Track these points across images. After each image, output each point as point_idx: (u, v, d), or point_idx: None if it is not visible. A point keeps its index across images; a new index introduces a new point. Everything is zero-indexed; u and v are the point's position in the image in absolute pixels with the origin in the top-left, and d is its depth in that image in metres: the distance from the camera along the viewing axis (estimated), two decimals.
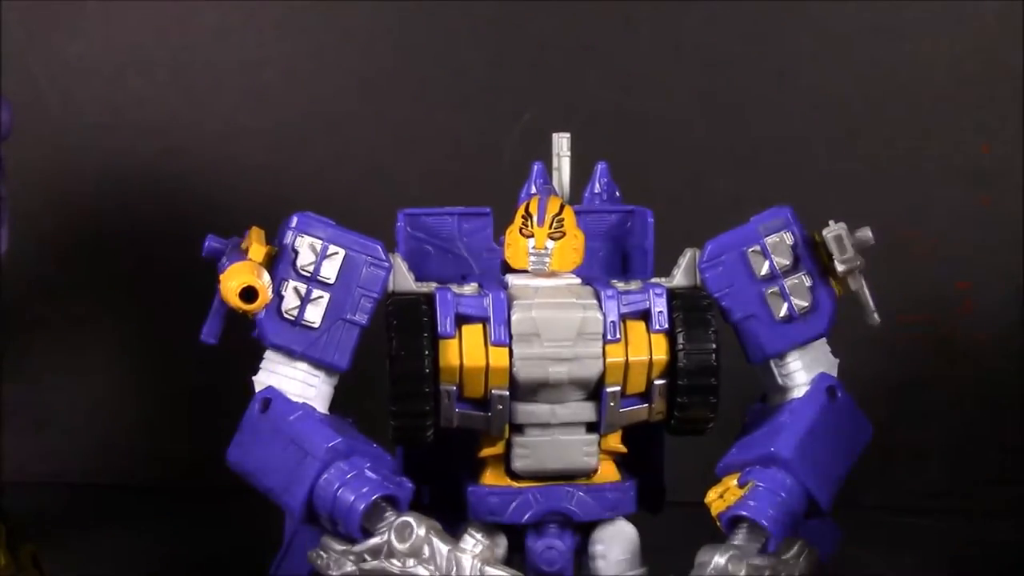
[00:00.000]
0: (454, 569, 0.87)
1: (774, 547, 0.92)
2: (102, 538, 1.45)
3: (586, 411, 0.95)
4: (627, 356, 0.94)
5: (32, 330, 1.61)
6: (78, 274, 1.61)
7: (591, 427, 0.96)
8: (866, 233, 0.96)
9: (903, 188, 1.57)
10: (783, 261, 0.97)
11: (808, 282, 0.97)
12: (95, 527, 1.49)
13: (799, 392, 0.99)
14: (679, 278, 0.99)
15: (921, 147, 1.57)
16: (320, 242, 0.94)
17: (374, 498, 0.89)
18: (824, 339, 1.00)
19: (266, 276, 0.90)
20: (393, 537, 0.87)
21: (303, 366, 0.95)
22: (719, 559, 0.89)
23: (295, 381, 0.95)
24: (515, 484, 0.96)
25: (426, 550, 0.87)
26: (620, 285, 0.97)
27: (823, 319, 0.98)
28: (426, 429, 0.94)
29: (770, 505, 0.93)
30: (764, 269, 0.97)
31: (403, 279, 0.97)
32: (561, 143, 1.07)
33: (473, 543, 0.89)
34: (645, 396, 0.96)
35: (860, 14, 1.56)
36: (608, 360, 0.93)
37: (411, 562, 0.87)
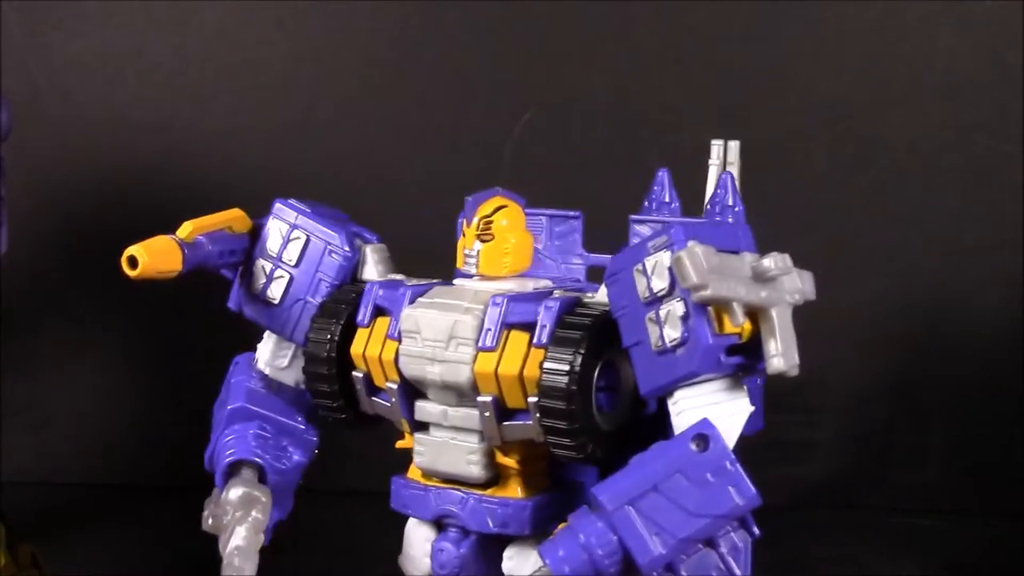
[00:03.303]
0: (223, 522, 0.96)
1: None
2: (102, 538, 1.45)
3: (474, 419, 0.92)
4: (497, 367, 0.89)
5: (32, 330, 1.61)
6: (78, 274, 1.61)
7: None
8: (766, 263, 0.81)
9: (903, 188, 1.57)
10: (660, 284, 0.84)
11: (680, 311, 0.83)
12: (95, 527, 1.49)
13: None
14: (601, 292, 0.92)
15: (921, 147, 1.57)
16: (287, 227, 1.00)
17: (236, 459, 0.97)
18: (732, 379, 0.85)
19: (158, 248, 0.95)
20: (218, 494, 0.97)
21: (274, 339, 1.02)
22: None
23: (267, 351, 1.03)
24: (423, 481, 0.96)
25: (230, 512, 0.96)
26: (558, 293, 0.92)
27: (693, 357, 0.82)
28: (337, 410, 0.96)
29: (562, 547, 0.84)
30: (644, 292, 0.85)
31: (370, 271, 0.99)
32: (729, 150, 1.05)
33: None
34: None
35: (860, 14, 1.56)
36: (476, 368, 0.89)
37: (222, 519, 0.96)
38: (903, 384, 1.58)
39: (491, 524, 0.93)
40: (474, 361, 0.89)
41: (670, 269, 0.83)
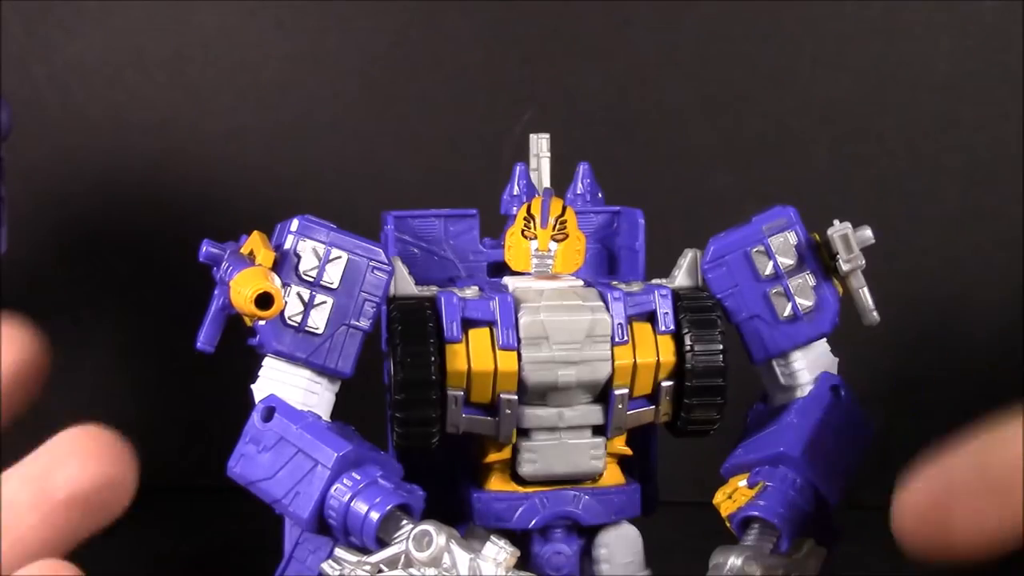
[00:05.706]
0: None
1: (785, 546, 0.92)
2: (102, 539, 1.45)
3: (593, 414, 0.95)
4: (635, 358, 0.93)
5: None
6: (78, 274, 1.61)
7: (597, 430, 0.95)
8: (866, 232, 0.96)
9: (903, 188, 1.57)
10: (787, 261, 0.98)
11: (812, 281, 0.98)
12: None
13: (802, 392, 0.99)
14: (680, 279, 0.99)
15: (921, 147, 1.57)
16: (323, 246, 0.92)
17: (389, 507, 0.87)
18: (824, 339, 1.00)
19: (278, 281, 0.89)
20: (411, 546, 0.85)
21: (305, 373, 0.93)
22: (735, 560, 0.89)
23: (297, 389, 0.93)
24: (521, 489, 0.96)
25: (446, 559, 0.85)
26: (623, 286, 0.96)
27: (827, 318, 0.98)
28: (431, 436, 0.92)
29: (781, 504, 0.93)
30: (768, 269, 0.98)
31: (404, 283, 0.96)
32: (540, 144, 1.07)
33: (496, 550, 0.86)
34: (651, 398, 0.96)
35: (860, 14, 1.56)
36: (616, 362, 0.93)
37: (431, 571, 0.85)
38: (903, 384, 1.58)
39: (609, 514, 0.97)
40: (611, 356, 0.93)
41: (796, 246, 0.97)
